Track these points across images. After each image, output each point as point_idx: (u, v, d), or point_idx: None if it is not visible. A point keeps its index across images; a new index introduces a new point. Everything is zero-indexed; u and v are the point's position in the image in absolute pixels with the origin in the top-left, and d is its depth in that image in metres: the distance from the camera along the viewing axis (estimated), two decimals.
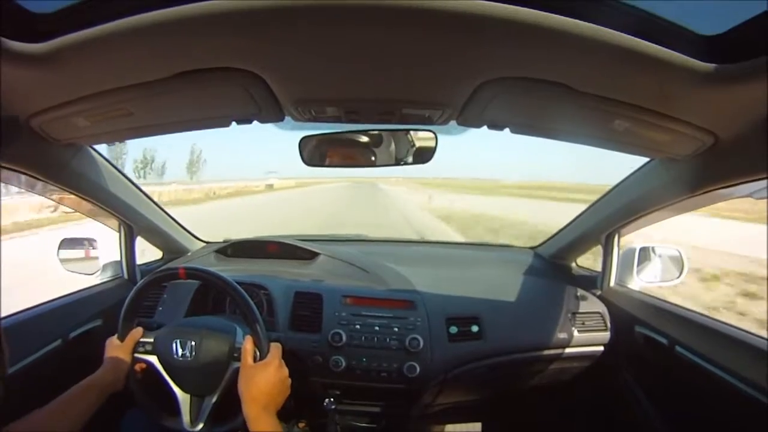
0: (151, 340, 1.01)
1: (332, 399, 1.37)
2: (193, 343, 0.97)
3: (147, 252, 1.76)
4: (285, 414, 1.12)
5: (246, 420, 0.85)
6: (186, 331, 1.00)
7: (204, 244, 1.94)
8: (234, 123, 0.90)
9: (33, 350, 1.10)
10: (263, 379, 0.89)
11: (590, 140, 0.95)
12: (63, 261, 1.50)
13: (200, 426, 0.97)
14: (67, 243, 1.52)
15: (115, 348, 1.00)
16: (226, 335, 1.00)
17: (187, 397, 0.99)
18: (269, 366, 0.91)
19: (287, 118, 0.89)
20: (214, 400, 0.98)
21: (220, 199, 31.47)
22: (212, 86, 0.72)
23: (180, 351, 0.97)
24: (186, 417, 0.98)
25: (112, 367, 0.96)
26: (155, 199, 1.57)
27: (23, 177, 0.98)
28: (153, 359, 1.00)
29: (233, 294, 1.02)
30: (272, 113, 0.85)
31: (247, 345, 0.94)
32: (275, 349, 0.96)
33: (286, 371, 0.95)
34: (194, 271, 1.04)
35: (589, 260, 1.83)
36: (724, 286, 6.50)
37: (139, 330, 1.02)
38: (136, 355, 1.00)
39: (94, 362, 1.31)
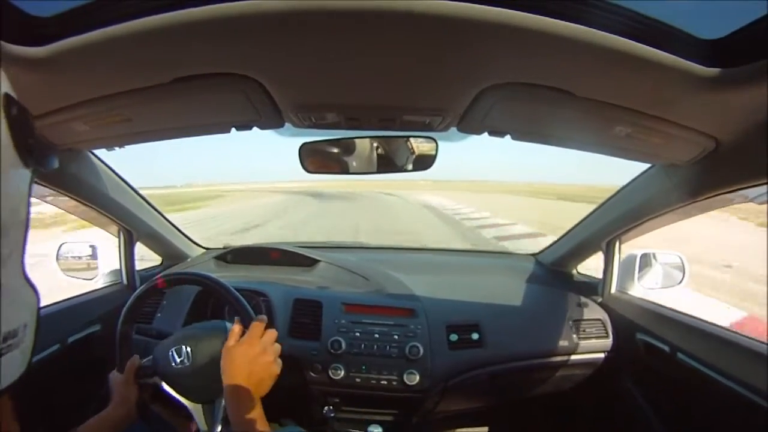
0: (150, 363, 0.99)
1: (331, 407, 1.36)
2: (189, 348, 0.96)
3: (146, 257, 1.75)
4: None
5: (227, 406, 0.81)
6: (179, 339, 0.98)
7: (204, 251, 1.93)
8: (234, 129, 0.90)
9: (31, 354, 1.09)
10: (239, 357, 0.84)
11: (591, 146, 0.95)
12: (62, 266, 1.49)
13: (218, 430, 0.95)
14: (66, 248, 1.51)
15: (119, 382, 0.97)
16: (218, 334, 0.98)
17: (199, 406, 0.97)
18: (244, 343, 0.86)
19: (287, 125, 0.89)
20: (224, 402, 0.96)
21: None
22: (211, 92, 0.72)
23: (177, 359, 0.95)
24: (203, 426, 0.96)
25: (121, 401, 0.94)
26: None
27: None
28: (156, 380, 0.97)
29: (218, 289, 1.02)
30: (272, 119, 0.85)
31: (235, 327, 0.89)
32: (254, 325, 0.89)
33: (268, 350, 0.87)
34: (173, 277, 1.04)
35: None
36: None
37: (135, 357, 1.00)
38: (140, 381, 0.98)
39: (92, 367, 1.30)
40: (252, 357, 0.84)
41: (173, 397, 0.97)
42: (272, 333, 0.90)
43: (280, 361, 0.88)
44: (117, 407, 0.93)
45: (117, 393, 0.96)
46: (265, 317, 0.92)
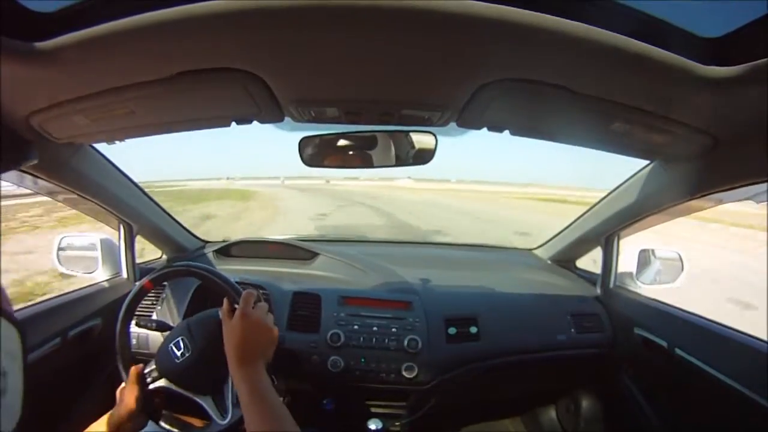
0: (153, 367, 0.99)
1: (330, 399, 1.37)
2: (186, 339, 0.96)
3: (146, 251, 1.75)
4: None
5: (234, 379, 0.80)
6: (176, 333, 0.99)
7: (203, 244, 1.94)
8: (234, 123, 0.90)
9: (32, 348, 1.10)
10: (239, 329, 0.83)
11: (590, 142, 0.95)
12: (62, 260, 1.49)
13: (230, 414, 0.95)
14: (66, 242, 1.51)
15: (125, 391, 0.94)
16: (212, 319, 0.99)
17: (209, 398, 0.97)
18: (240, 315, 0.85)
19: (287, 119, 0.89)
20: (231, 385, 0.96)
21: None
22: (212, 86, 0.72)
23: (177, 353, 0.95)
24: (217, 416, 0.96)
25: (125, 405, 0.91)
26: None
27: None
28: (163, 383, 0.97)
29: (203, 274, 1.04)
30: (272, 113, 0.85)
31: (225, 305, 0.90)
32: (245, 297, 0.88)
33: (263, 317, 0.87)
34: (159, 274, 1.05)
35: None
36: None
37: (139, 366, 0.98)
38: (149, 387, 0.97)
39: (92, 361, 1.30)
40: (250, 326, 0.84)
41: (185, 397, 0.97)
42: (263, 304, 0.91)
43: (276, 327, 0.89)
44: (116, 410, 0.91)
45: (120, 400, 0.93)
46: (253, 291, 0.91)
